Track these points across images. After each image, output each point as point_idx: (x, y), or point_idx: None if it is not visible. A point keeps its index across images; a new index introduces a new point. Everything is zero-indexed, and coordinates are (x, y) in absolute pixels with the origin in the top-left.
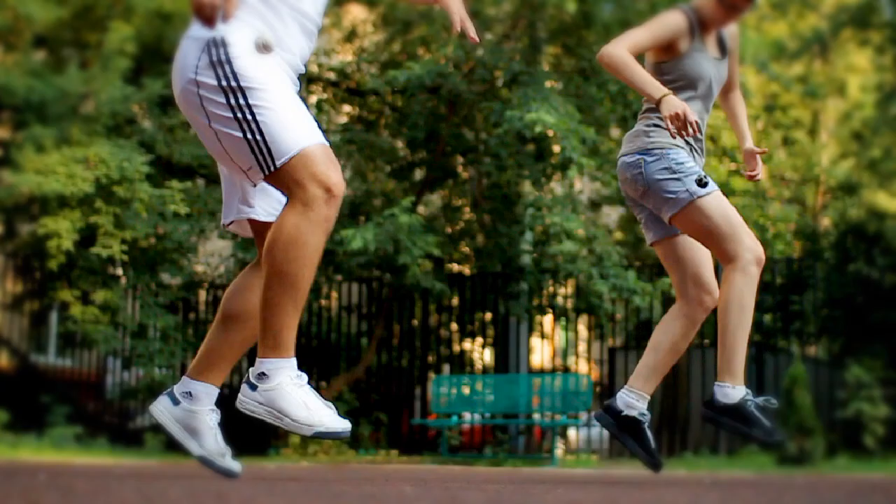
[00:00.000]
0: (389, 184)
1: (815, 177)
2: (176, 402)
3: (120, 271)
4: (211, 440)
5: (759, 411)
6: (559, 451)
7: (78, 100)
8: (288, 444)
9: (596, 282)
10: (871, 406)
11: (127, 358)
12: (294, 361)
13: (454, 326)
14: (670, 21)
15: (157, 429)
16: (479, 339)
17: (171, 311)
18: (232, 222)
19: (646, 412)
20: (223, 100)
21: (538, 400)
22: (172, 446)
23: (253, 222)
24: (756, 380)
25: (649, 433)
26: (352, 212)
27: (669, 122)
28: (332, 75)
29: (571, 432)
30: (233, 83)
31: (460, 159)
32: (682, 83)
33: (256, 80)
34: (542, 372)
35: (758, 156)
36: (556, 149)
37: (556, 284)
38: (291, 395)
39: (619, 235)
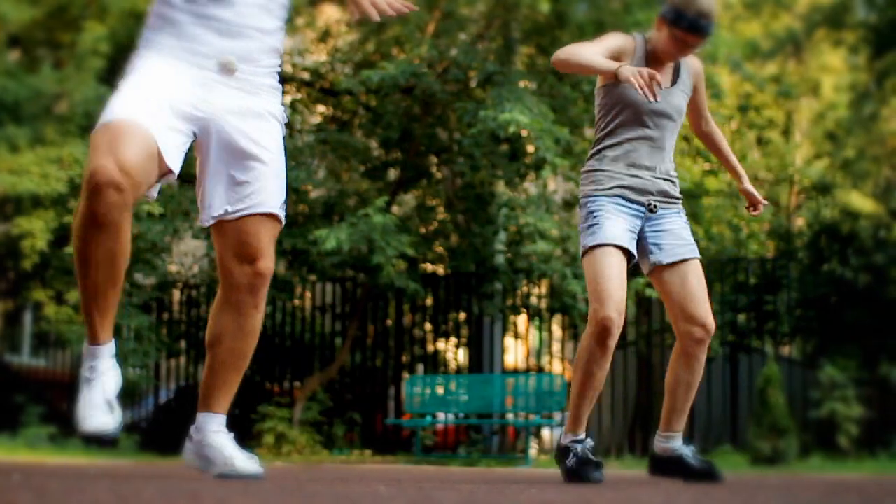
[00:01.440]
0: (363, 184)
1: (789, 177)
2: (191, 439)
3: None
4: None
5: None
6: (533, 451)
7: (52, 100)
8: (262, 445)
9: (570, 282)
10: (844, 406)
11: None
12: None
13: (428, 326)
14: (613, 42)
15: (131, 429)
16: (453, 339)
17: (145, 311)
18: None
19: (677, 448)
20: None
21: (512, 400)
22: (146, 446)
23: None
24: (730, 380)
25: (688, 459)
26: (326, 212)
27: (635, 84)
28: (306, 75)
29: (545, 432)
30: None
31: (434, 159)
32: (618, 106)
33: (136, 62)
34: (515, 372)
35: (758, 198)
36: (530, 149)
37: (529, 284)
38: None
39: None
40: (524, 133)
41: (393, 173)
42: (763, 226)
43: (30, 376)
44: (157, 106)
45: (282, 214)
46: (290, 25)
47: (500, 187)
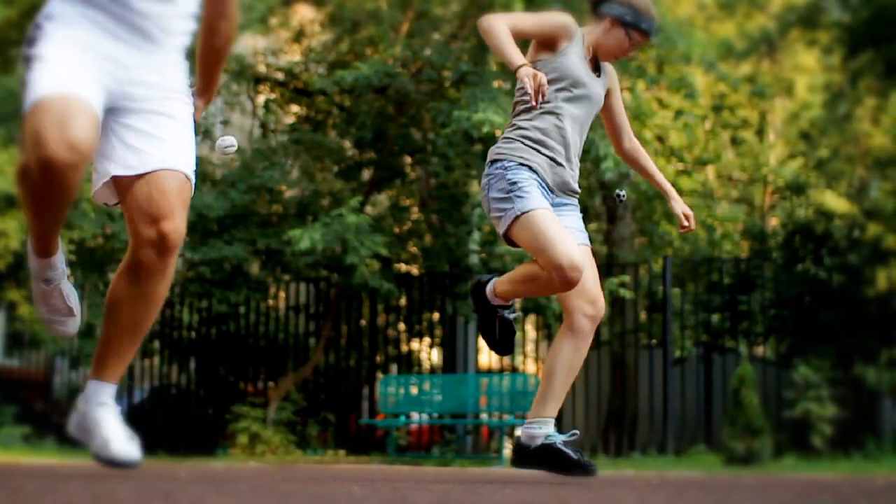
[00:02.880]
0: (337, 184)
1: (763, 177)
2: (76, 409)
3: (67, 271)
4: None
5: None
6: (507, 450)
7: None
8: (236, 444)
9: None
10: (818, 406)
11: (74, 358)
12: None
13: (402, 326)
14: (557, 17)
15: None
16: (427, 339)
17: None
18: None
19: (551, 434)
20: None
21: (486, 400)
22: None
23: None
24: (704, 380)
25: (564, 448)
26: (299, 212)
27: (526, 85)
28: (279, 75)
29: (519, 432)
30: (32, 42)
31: (408, 159)
32: (555, 78)
33: (45, 34)
34: (489, 372)
35: (686, 213)
36: None
37: None
38: None
39: None
40: (498, 133)
41: (367, 173)
42: (737, 226)
43: (3, 376)
44: (85, 75)
45: (192, 178)
46: (264, 25)
47: (474, 187)
